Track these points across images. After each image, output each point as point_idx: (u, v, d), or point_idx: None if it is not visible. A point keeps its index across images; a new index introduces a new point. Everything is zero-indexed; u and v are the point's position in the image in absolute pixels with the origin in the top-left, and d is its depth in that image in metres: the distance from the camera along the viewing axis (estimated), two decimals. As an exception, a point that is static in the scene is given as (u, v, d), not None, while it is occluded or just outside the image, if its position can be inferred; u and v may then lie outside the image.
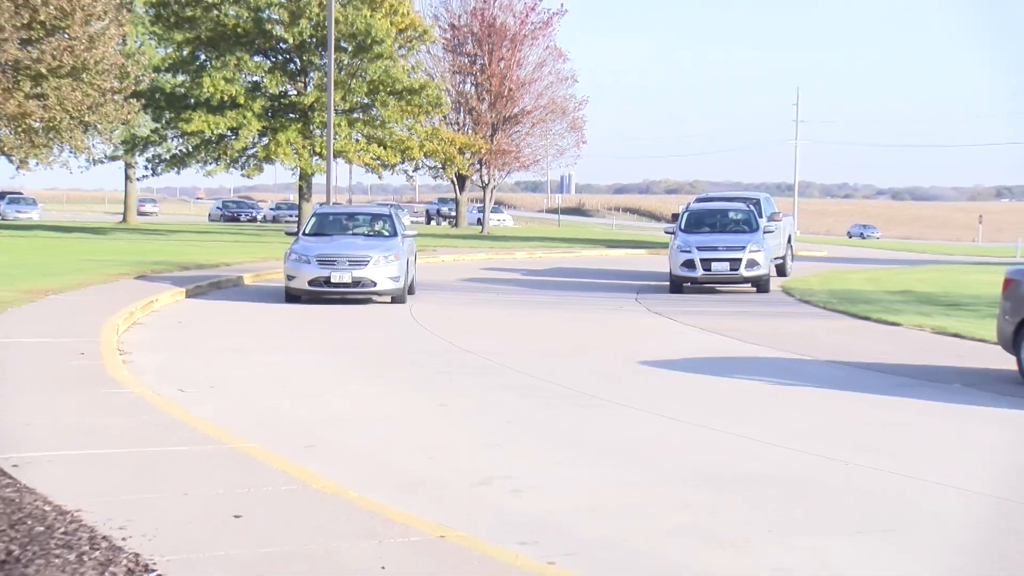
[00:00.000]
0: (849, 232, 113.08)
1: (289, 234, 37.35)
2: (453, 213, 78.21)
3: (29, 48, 29.47)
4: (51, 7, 29.59)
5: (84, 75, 31.68)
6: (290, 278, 24.35)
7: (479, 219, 74.54)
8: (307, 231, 26.91)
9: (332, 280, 23.47)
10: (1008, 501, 10.32)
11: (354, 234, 27.42)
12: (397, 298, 25.70)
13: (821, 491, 10.60)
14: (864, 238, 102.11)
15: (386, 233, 27.40)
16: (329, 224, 27.52)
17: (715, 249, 28.86)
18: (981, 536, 9.40)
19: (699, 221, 31.43)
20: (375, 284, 24.09)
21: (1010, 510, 10.10)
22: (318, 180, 50.24)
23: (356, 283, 23.75)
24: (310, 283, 23.53)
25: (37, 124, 31.42)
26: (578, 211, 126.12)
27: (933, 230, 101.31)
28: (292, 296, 25.15)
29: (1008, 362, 16.51)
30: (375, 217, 28.71)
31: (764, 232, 29.97)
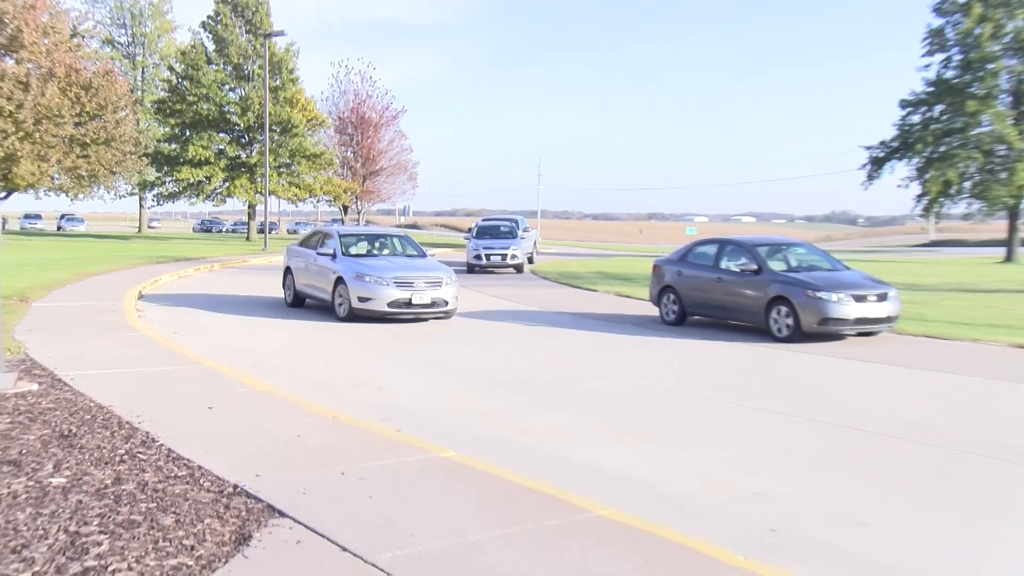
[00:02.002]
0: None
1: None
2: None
3: (80, 127, 29.77)
4: (93, 103, 30.50)
5: (113, 143, 32.02)
6: (363, 299, 16.24)
7: (357, 231, 74.24)
8: (345, 251, 17.83)
9: (414, 302, 16.21)
10: (664, 389, 10.64)
11: (394, 255, 18.65)
12: (450, 314, 17.41)
13: (561, 389, 10.86)
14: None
15: (417, 253, 19.05)
16: (361, 244, 18.77)
17: (492, 248, 30.37)
18: (649, 408, 9.64)
19: (483, 231, 32.99)
20: (447, 304, 16.77)
21: (667, 393, 10.40)
22: (258, 208, 50.45)
23: (433, 304, 16.47)
24: (389, 305, 16.11)
25: (83, 173, 31.81)
26: (414, 226, 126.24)
27: (615, 238, 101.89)
28: (359, 317, 16.42)
29: (655, 312, 17.63)
30: (402, 239, 19.85)
31: (521, 238, 31.29)
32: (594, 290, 25.12)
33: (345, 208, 77.20)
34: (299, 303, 19.01)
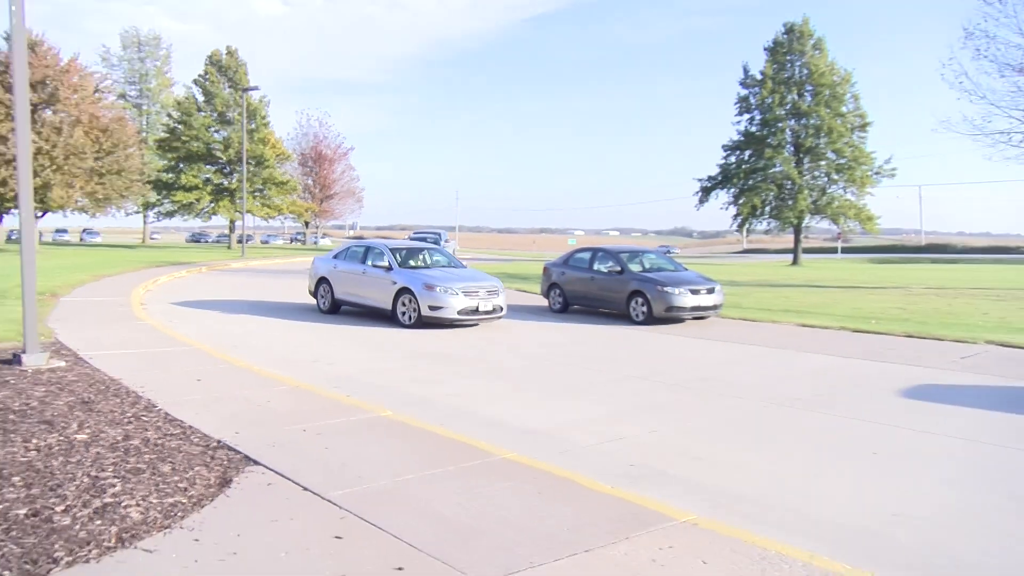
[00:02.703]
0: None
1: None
2: (303, 239, 76.60)
3: (98, 161, 28.81)
4: (109, 142, 29.75)
5: (123, 173, 30.84)
6: (434, 308, 13.44)
7: (315, 241, 72.85)
8: (401, 264, 14.63)
9: (481, 309, 13.77)
10: (552, 360, 10.60)
11: (441, 266, 15.34)
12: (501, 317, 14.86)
13: (473, 361, 10.70)
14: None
15: (457, 264, 16.06)
16: (410, 256, 15.27)
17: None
18: (540, 375, 9.58)
19: (415, 242, 31.82)
20: (502, 311, 14.35)
21: (554, 363, 10.32)
22: (237, 223, 48.69)
23: (494, 311, 14.09)
24: (459, 312, 13.50)
25: (100, 197, 30.64)
26: (360, 238, 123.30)
27: (515, 247, 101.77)
28: (425, 324, 13.62)
29: (544, 303, 17.76)
30: (440, 252, 16.41)
31: (442, 246, 30.56)
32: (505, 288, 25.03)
33: (307, 224, 76.39)
34: (335, 310, 15.55)
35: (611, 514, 4.62)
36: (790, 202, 48.58)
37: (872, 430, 7.00)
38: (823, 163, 49.74)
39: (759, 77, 50.30)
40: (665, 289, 14.81)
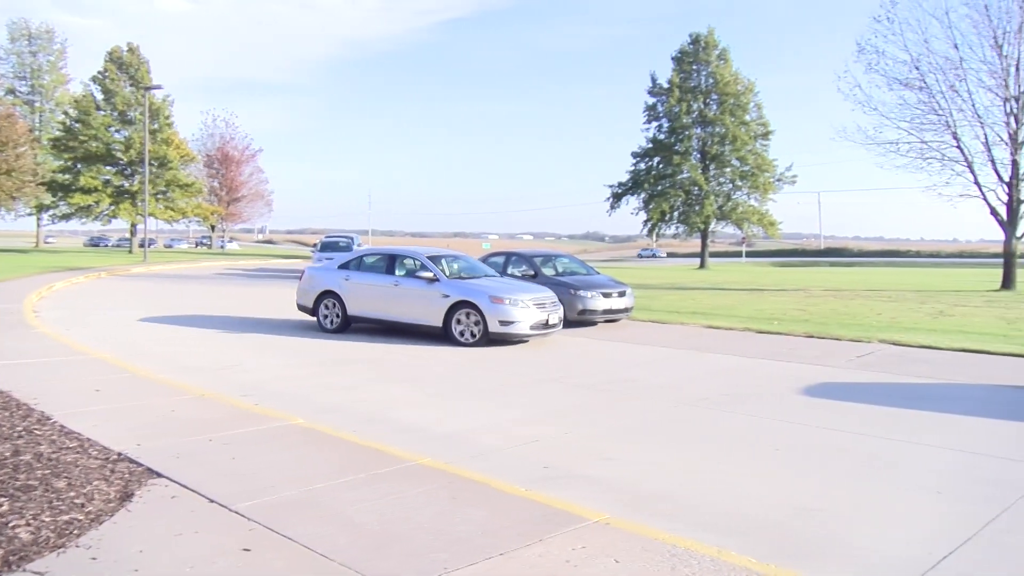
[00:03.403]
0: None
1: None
2: (209, 243, 74.08)
3: None
4: None
5: (12, 174, 28.71)
6: (505, 323, 11.97)
7: (222, 245, 70.54)
8: (449, 274, 12.97)
9: (550, 322, 12.47)
10: (465, 363, 10.43)
11: (488, 275, 13.77)
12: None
13: (387, 366, 10.57)
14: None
15: (493, 272, 14.36)
16: (452, 266, 13.48)
17: (332, 259, 28.80)
18: (455, 378, 9.53)
19: (326, 246, 32.01)
20: (561, 323, 12.89)
21: (468, 366, 10.25)
22: (138, 226, 47.11)
23: (558, 323, 12.77)
24: (532, 327, 12.20)
25: None
26: (270, 242, 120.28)
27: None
28: (492, 341, 12.11)
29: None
30: (470, 259, 14.66)
31: (356, 251, 30.21)
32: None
33: (212, 227, 74.21)
34: (344, 328, 13.48)
35: (525, 516, 4.63)
36: (697, 207, 50.22)
37: (776, 427, 7.23)
38: (728, 170, 51.58)
39: (666, 86, 51.80)
40: (578, 293, 14.98)
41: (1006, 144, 25.76)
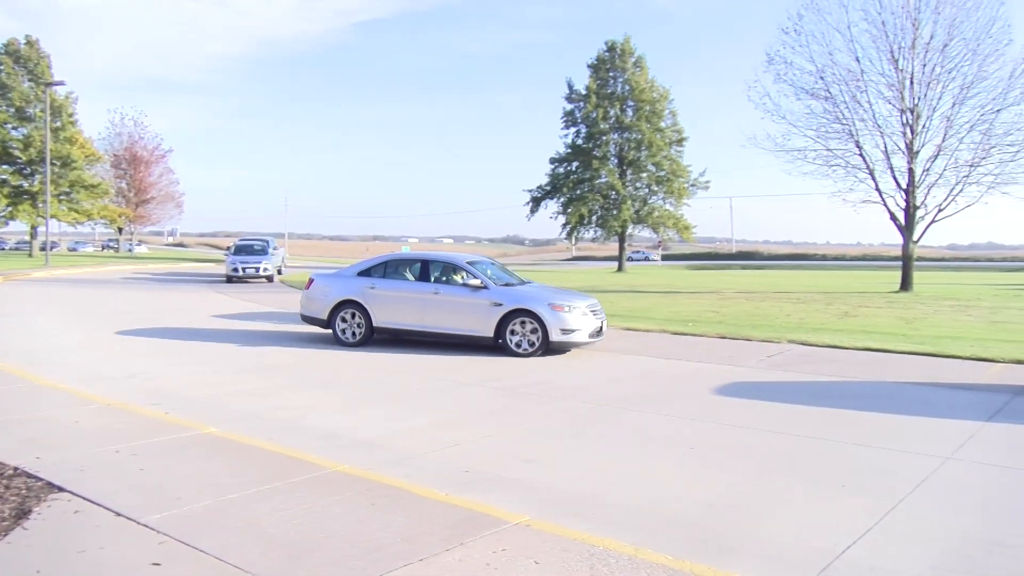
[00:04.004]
0: None
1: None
2: (116, 246, 71.23)
3: None
4: None
5: None
6: (567, 331, 11.42)
7: (130, 249, 68.00)
8: (497, 281, 12.32)
9: (602, 329, 12.10)
10: (384, 368, 10.32)
11: (522, 283, 13.05)
12: None
13: (306, 372, 10.36)
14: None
15: (522, 280, 13.54)
16: (501, 275, 12.94)
17: (248, 262, 28.66)
18: (374, 384, 9.42)
19: (240, 249, 31.46)
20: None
21: (386, 371, 10.14)
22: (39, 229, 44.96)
23: (604, 331, 12.36)
24: (590, 335, 11.77)
25: None
26: (180, 245, 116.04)
27: (347, 254, 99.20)
28: (556, 350, 11.68)
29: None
30: (492, 265, 13.61)
31: (271, 254, 29.65)
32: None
33: (120, 230, 71.44)
34: (367, 340, 12.44)
35: (446, 521, 4.61)
36: (615, 212, 51.17)
37: (692, 426, 7.39)
38: (644, 175, 52.74)
39: (584, 92, 52.62)
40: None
41: (903, 153, 27.12)
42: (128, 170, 69.10)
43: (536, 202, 54.06)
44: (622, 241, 53.81)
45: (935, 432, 7.20)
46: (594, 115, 51.44)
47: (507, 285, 12.56)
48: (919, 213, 27.50)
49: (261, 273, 31.05)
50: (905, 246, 28.09)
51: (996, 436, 7.07)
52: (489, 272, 12.80)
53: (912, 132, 26.76)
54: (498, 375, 10.13)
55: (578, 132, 53.15)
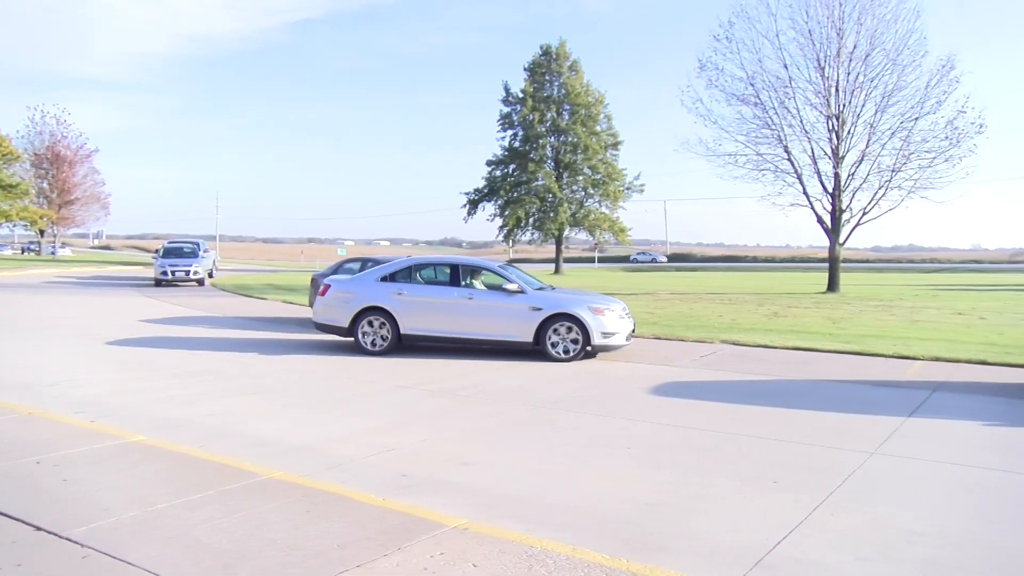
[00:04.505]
0: None
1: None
2: (37, 249, 68.51)
3: None
4: None
5: None
6: (607, 335, 11.41)
7: (53, 252, 65.51)
8: (535, 285, 12.33)
9: (634, 331, 12.29)
10: (318, 373, 10.33)
11: (550, 287, 12.83)
12: None
13: (238, 378, 10.10)
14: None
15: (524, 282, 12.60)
16: (527, 279, 12.57)
17: (177, 265, 27.80)
18: (308, 390, 9.28)
19: (169, 252, 30.54)
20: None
21: (320, 376, 10.05)
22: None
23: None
24: (627, 337, 11.85)
25: None
26: (107, 248, 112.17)
27: (282, 257, 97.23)
28: (589, 354, 11.67)
29: (311, 314, 16.18)
30: (520, 272, 13.23)
31: (202, 257, 28.89)
32: (264, 299, 23.93)
33: (42, 232, 68.78)
34: (394, 348, 12.02)
35: (383, 526, 4.57)
36: (552, 214, 51.54)
37: (627, 426, 7.49)
38: (580, 178, 53.28)
39: (520, 95, 52.88)
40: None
41: (829, 158, 28.03)
42: (50, 170, 66.38)
43: (473, 204, 54.09)
44: (559, 243, 54.24)
45: (861, 428, 7.46)
46: (530, 118, 51.75)
47: (540, 289, 12.37)
48: (845, 216, 28.46)
49: (192, 276, 30.28)
50: (832, 248, 29.01)
51: (917, 431, 7.36)
52: (514, 276, 12.47)
53: (837, 138, 27.69)
54: (434, 377, 10.08)
55: (515, 135, 53.40)
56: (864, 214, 28.24)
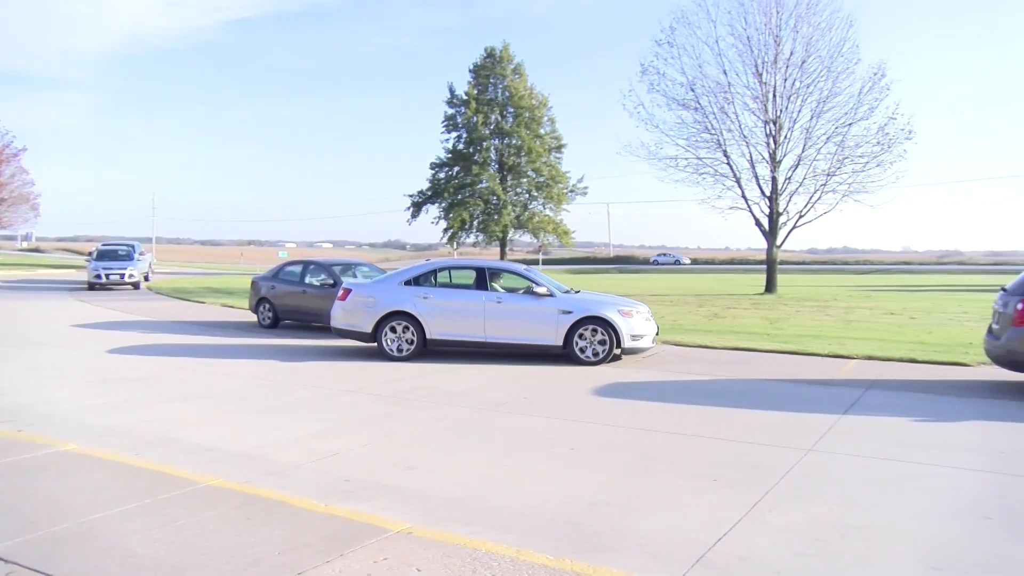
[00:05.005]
0: None
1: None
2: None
3: None
4: None
5: None
6: (636, 337, 11.45)
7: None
8: (563, 289, 12.24)
9: (658, 333, 12.31)
10: (260, 378, 10.17)
11: (577, 290, 12.74)
12: None
13: (176, 383, 9.85)
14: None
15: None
16: (552, 282, 12.51)
17: (112, 268, 27.07)
18: (249, 394, 9.09)
19: (103, 254, 29.63)
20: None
21: (262, 380, 9.86)
22: None
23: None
24: (652, 340, 11.89)
25: None
26: (37, 250, 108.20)
27: (221, 260, 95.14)
28: (616, 357, 11.65)
29: (253, 318, 16.64)
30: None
31: (137, 260, 28.14)
32: (202, 302, 23.38)
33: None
34: (419, 353, 11.83)
35: (325, 532, 4.51)
36: (496, 217, 51.57)
37: (571, 427, 7.54)
38: (524, 181, 53.42)
39: (464, 98, 52.87)
40: (379, 301, 14.83)
41: (767, 162, 28.66)
42: (-26, 171, 64.06)
43: (417, 207, 53.78)
44: (503, 246, 54.29)
45: (797, 426, 7.64)
46: (474, 120, 51.70)
47: (567, 292, 12.22)
48: (782, 219, 29.13)
49: (127, 280, 29.41)
50: (769, 250, 29.68)
51: (851, 428, 7.57)
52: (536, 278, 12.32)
53: (775, 143, 28.34)
54: (378, 381, 9.98)
55: (459, 137, 53.28)
56: (800, 217, 28.97)
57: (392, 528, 4.59)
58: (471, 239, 55.24)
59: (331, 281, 15.82)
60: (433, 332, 11.90)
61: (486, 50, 53.32)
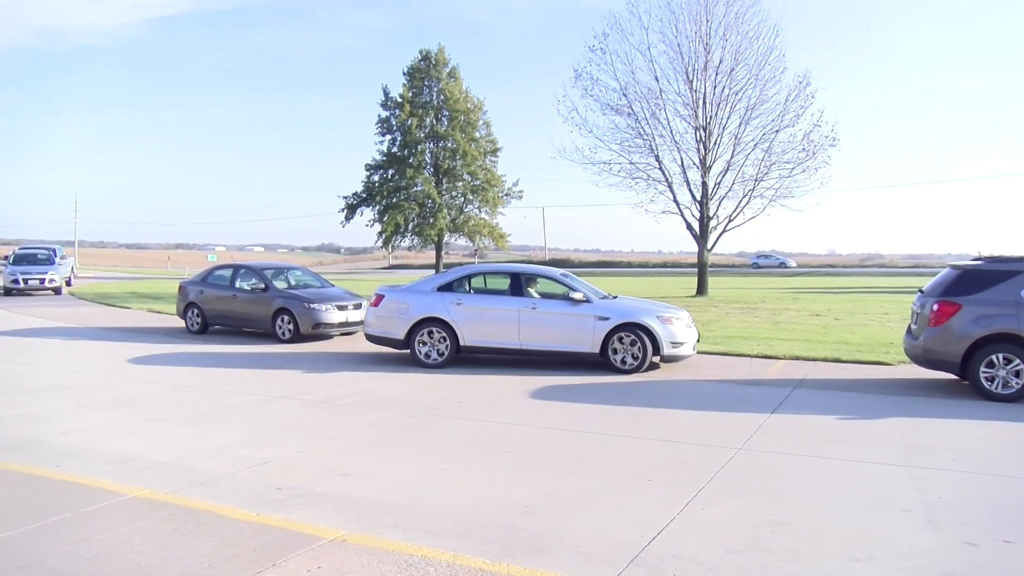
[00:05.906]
0: None
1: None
2: None
3: None
4: None
5: None
6: (676, 344, 11.07)
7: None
8: (600, 294, 11.83)
9: (699, 339, 11.91)
10: (189, 386, 9.91)
11: (615, 295, 12.39)
12: None
13: (101, 391, 9.52)
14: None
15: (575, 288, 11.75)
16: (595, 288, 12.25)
17: (30, 273, 26.15)
18: (176, 403, 8.84)
19: (21, 258, 28.60)
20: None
21: (191, 388, 9.62)
22: None
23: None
24: (692, 347, 11.46)
25: None
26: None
27: (147, 264, 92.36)
28: (654, 365, 11.50)
29: (181, 323, 16.11)
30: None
31: (58, 264, 27.23)
32: (128, 307, 22.63)
33: None
34: (452, 360, 11.54)
35: (256, 542, 4.41)
36: (431, 220, 51.45)
37: (507, 430, 7.56)
38: (460, 184, 53.41)
39: (399, 100, 52.55)
40: (311, 306, 14.64)
41: (698, 167, 29.25)
42: None
43: (351, 209, 53.22)
44: (439, 249, 54.18)
45: (728, 425, 7.81)
46: (409, 123, 51.49)
47: (604, 298, 11.83)
48: (712, 223, 29.76)
49: (47, 285, 28.22)
50: (700, 254, 30.28)
51: (779, 426, 7.79)
52: (572, 283, 11.90)
53: (705, 148, 28.94)
54: (314, 387, 9.84)
55: (394, 140, 52.97)
56: (730, 221, 29.64)
57: (326, 536, 4.52)
58: (406, 242, 54.95)
59: (262, 285, 15.53)
60: (467, 339, 11.60)
61: (421, 52, 53.23)
